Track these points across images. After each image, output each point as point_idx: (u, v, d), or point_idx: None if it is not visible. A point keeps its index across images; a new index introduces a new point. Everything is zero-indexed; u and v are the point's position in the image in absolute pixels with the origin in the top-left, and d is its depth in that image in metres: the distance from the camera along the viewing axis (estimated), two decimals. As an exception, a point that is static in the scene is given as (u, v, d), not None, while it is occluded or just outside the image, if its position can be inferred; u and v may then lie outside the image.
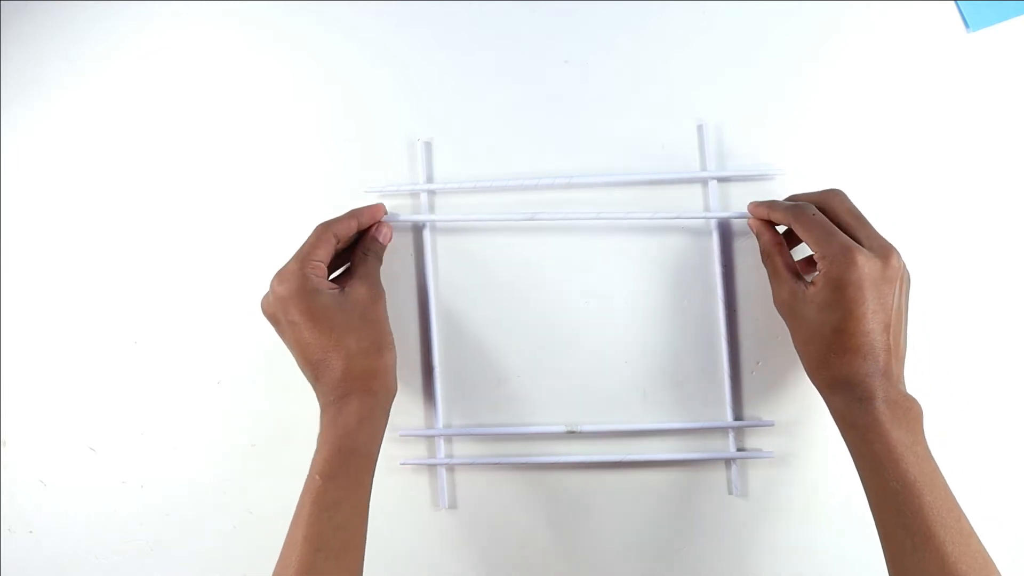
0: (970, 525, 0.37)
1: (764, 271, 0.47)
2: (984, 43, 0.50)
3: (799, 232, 0.43)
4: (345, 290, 0.44)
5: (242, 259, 0.52)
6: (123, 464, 0.52)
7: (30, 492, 0.52)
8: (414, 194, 0.51)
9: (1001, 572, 0.36)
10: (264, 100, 0.52)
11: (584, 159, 0.51)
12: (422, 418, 0.51)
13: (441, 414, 0.50)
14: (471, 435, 0.51)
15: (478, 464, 0.51)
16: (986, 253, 0.50)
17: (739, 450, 0.50)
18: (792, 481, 0.50)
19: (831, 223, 0.42)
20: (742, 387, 0.50)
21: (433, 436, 0.51)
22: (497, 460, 0.50)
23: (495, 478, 0.51)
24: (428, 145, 0.51)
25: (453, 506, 0.51)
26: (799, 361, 0.43)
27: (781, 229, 0.47)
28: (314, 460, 0.41)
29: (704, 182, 0.50)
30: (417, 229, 0.51)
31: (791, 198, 0.46)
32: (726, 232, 0.50)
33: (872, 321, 0.39)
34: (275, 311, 0.43)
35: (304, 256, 0.43)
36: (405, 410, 0.51)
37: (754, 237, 0.48)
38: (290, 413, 0.51)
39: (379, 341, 0.44)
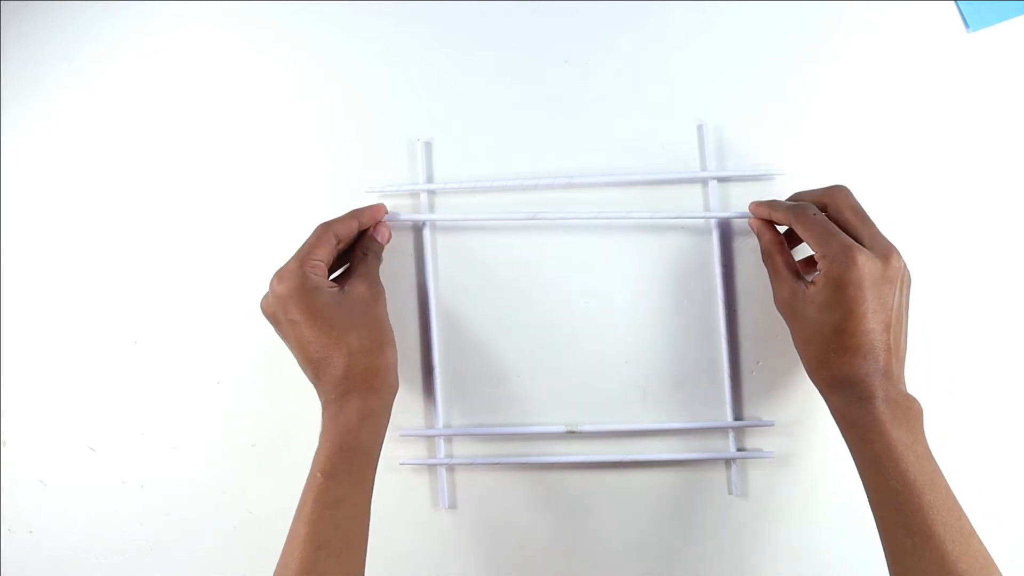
0: (970, 524, 0.37)
1: (764, 271, 0.47)
2: (984, 43, 0.50)
3: (800, 232, 0.43)
4: (345, 288, 0.44)
5: (242, 259, 0.52)
6: (123, 464, 0.52)
7: (30, 492, 0.52)
8: (414, 194, 0.51)
9: (1001, 572, 0.36)
10: (264, 100, 0.52)
11: (584, 159, 0.51)
12: (422, 418, 0.51)
13: (441, 414, 0.50)
14: (471, 435, 0.51)
15: (478, 464, 0.51)
16: (986, 253, 0.50)
17: (739, 450, 0.50)
18: (792, 481, 0.50)
19: (832, 223, 0.42)
20: (742, 387, 0.50)
21: (433, 436, 0.51)
22: (497, 460, 0.50)
23: (495, 478, 0.51)
24: (428, 145, 0.51)
25: (453, 506, 0.51)
26: (799, 361, 0.43)
27: (782, 229, 0.47)
28: (315, 458, 0.41)
29: (704, 182, 0.50)
30: (417, 229, 0.51)
31: (795, 196, 0.46)
32: (726, 232, 0.50)
33: (872, 321, 0.39)
34: (275, 310, 0.43)
35: (304, 255, 0.43)
36: (405, 410, 0.51)
37: (754, 237, 0.48)
38: (290, 413, 0.51)
39: (380, 338, 0.44)
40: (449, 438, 0.51)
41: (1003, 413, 0.49)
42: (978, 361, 0.49)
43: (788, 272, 0.44)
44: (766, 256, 0.46)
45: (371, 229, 0.48)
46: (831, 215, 0.43)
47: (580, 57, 0.51)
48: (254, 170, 0.52)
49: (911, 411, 0.39)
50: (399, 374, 0.45)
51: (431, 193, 0.51)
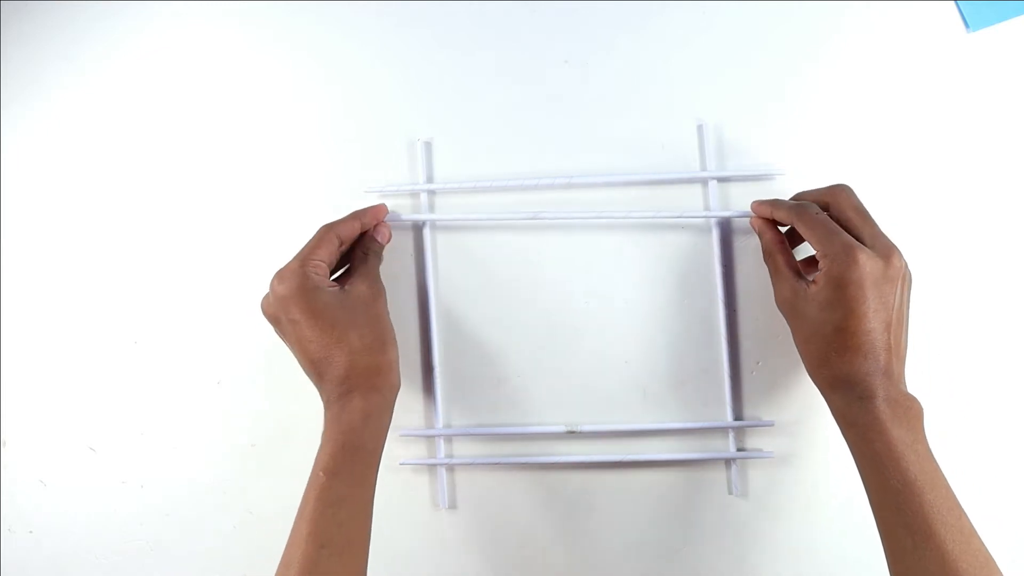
0: (971, 524, 0.37)
1: (764, 271, 0.47)
2: (984, 43, 0.50)
3: (802, 230, 0.43)
4: (346, 288, 0.44)
5: (242, 259, 0.52)
6: (123, 464, 0.52)
7: (30, 492, 0.52)
8: (414, 194, 0.51)
9: (1001, 571, 0.36)
10: (264, 100, 0.52)
11: (584, 159, 0.51)
12: (422, 418, 0.51)
13: (441, 414, 0.50)
14: (471, 435, 0.51)
15: (478, 464, 0.51)
16: (986, 253, 0.50)
17: (739, 450, 0.50)
18: (792, 481, 0.50)
19: (833, 222, 0.42)
20: (742, 387, 0.50)
21: (433, 436, 0.51)
22: (497, 460, 0.50)
23: (495, 478, 0.51)
24: (428, 145, 0.51)
25: (453, 506, 0.51)
26: (799, 361, 0.43)
27: (783, 229, 0.47)
28: (318, 457, 0.41)
29: (704, 182, 0.50)
30: (417, 229, 0.51)
31: (797, 195, 0.46)
32: (726, 232, 0.50)
33: (873, 320, 0.39)
34: (275, 311, 0.43)
35: (306, 256, 0.43)
36: (405, 410, 0.51)
37: (754, 236, 0.48)
38: (290, 413, 0.51)
39: (382, 337, 0.44)
40: (449, 438, 0.51)
41: (1003, 413, 0.49)
42: (978, 361, 0.49)
43: (789, 271, 0.44)
44: (767, 255, 0.46)
45: (372, 229, 0.48)
46: (833, 214, 0.43)
47: (580, 57, 0.51)
48: (254, 170, 0.52)
49: (912, 410, 0.39)
50: (400, 373, 0.45)
51: (431, 193, 0.51)
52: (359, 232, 0.47)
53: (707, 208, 0.50)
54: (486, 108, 0.51)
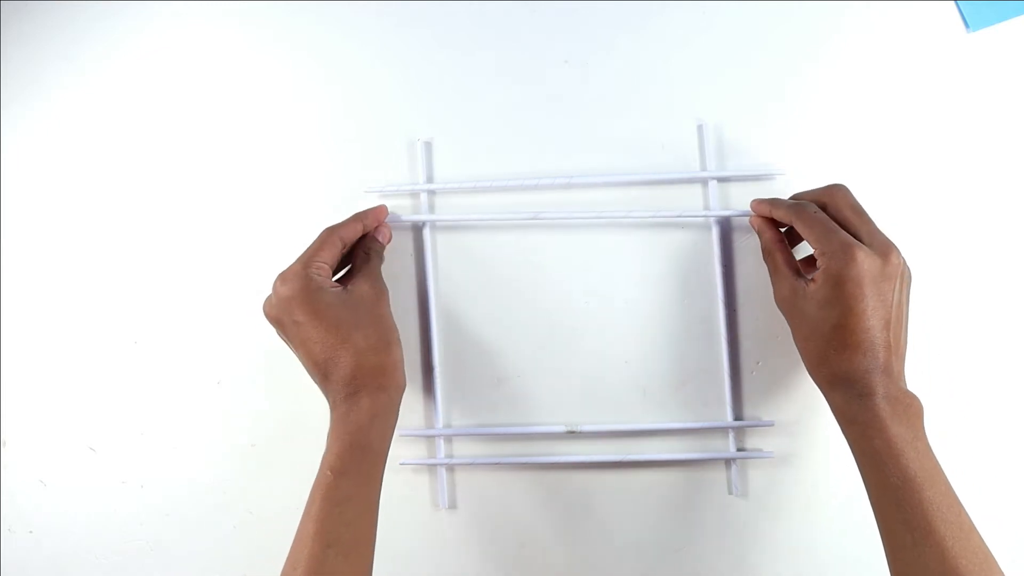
0: (970, 521, 0.37)
1: (764, 271, 0.47)
2: (984, 43, 0.50)
3: (800, 229, 0.43)
4: (348, 288, 0.44)
5: (242, 259, 0.52)
6: (123, 464, 0.52)
7: (30, 492, 0.52)
8: (414, 194, 0.51)
9: (1001, 568, 0.36)
10: (264, 100, 0.52)
11: (584, 159, 0.51)
12: (422, 418, 0.51)
13: (441, 414, 0.50)
14: (471, 435, 0.51)
15: (478, 464, 0.51)
16: (986, 252, 0.50)
17: (739, 450, 0.50)
18: (792, 481, 0.50)
19: (832, 221, 0.42)
20: (742, 387, 0.50)
21: (433, 436, 0.51)
22: (497, 460, 0.50)
23: (495, 478, 0.51)
24: (428, 145, 0.51)
25: (453, 506, 0.51)
26: (799, 361, 0.43)
27: (782, 228, 0.47)
28: (325, 456, 0.41)
29: (704, 182, 0.50)
30: (417, 229, 0.51)
31: (795, 196, 0.46)
32: (726, 231, 0.50)
33: (872, 318, 0.39)
34: (279, 313, 0.43)
35: (308, 258, 0.43)
36: (405, 409, 0.50)
37: (754, 236, 0.48)
38: (290, 413, 0.51)
39: (386, 337, 0.44)
40: (449, 438, 0.51)
41: (1003, 411, 0.49)
42: (978, 359, 0.50)
43: (788, 270, 0.44)
44: (767, 254, 0.46)
45: (373, 229, 0.48)
46: (831, 213, 0.43)
47: (580, 57, 0.51)
48: (254, 170, 0.52)
49: (911, 408, 0.39)
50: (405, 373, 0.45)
51: (431, 193, 0.51)
52: (361, 234, 0.47)
53: (707, 209, 0.50)
54: (486, 108, 0.51)
